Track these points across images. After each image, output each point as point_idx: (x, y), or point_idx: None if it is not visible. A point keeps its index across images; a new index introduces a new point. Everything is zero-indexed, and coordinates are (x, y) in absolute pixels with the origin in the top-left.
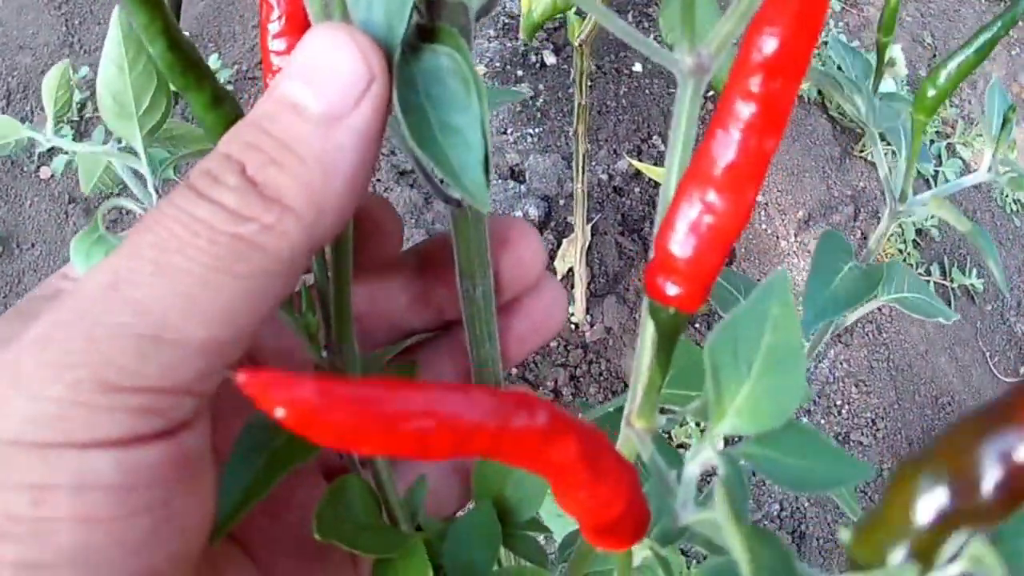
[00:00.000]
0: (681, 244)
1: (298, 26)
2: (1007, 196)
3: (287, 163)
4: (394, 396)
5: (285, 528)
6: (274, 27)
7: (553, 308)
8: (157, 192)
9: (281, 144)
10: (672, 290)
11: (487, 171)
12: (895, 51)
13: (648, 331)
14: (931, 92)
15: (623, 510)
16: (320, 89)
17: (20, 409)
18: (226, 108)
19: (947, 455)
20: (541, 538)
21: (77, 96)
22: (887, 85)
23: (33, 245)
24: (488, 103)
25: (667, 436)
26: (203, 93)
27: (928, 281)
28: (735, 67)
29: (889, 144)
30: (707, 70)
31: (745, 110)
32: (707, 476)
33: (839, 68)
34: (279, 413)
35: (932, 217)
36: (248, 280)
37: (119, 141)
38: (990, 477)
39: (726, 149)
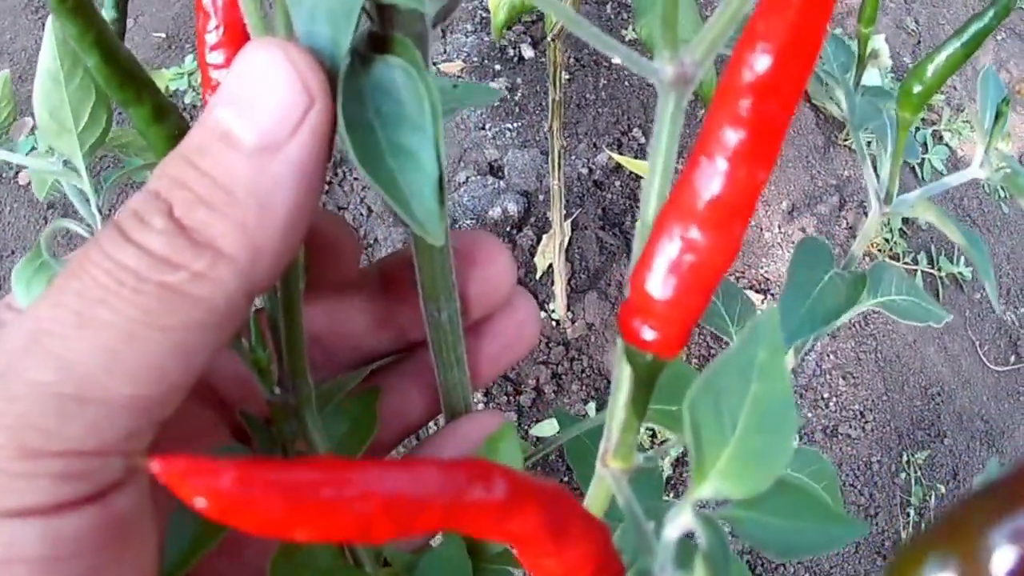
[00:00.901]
0: (660, 285)
1: (238, 36)
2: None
3: (218, 202)
4: (327, 480)
5: (246, 566)
6: (211, 38)
7: (525, 326)
8: (100, 212)
9: (211, 181)
10: (649, 335)
11: (442, 199)
12: (878, 41)
13: (624, 369)
14: (917, 88)
15: (593, 573)
16: (253, 116)
17: None
18: (169, 122)
19: (954, 538)
20: (514, 572)
21: None
22: (871, 76)
23: (13, 252)
24: (462, 102)
25: (651, 434)
26: (144, 107)
27: (915, 271)
28: (722, 86)
29: (873, 138)
30: (691, 80)
31: (733, 137)
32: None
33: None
34: (199, 504)
35: (928, 199)
36: (178, 333)
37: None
38: (1001, 562)
39: (711, 180)
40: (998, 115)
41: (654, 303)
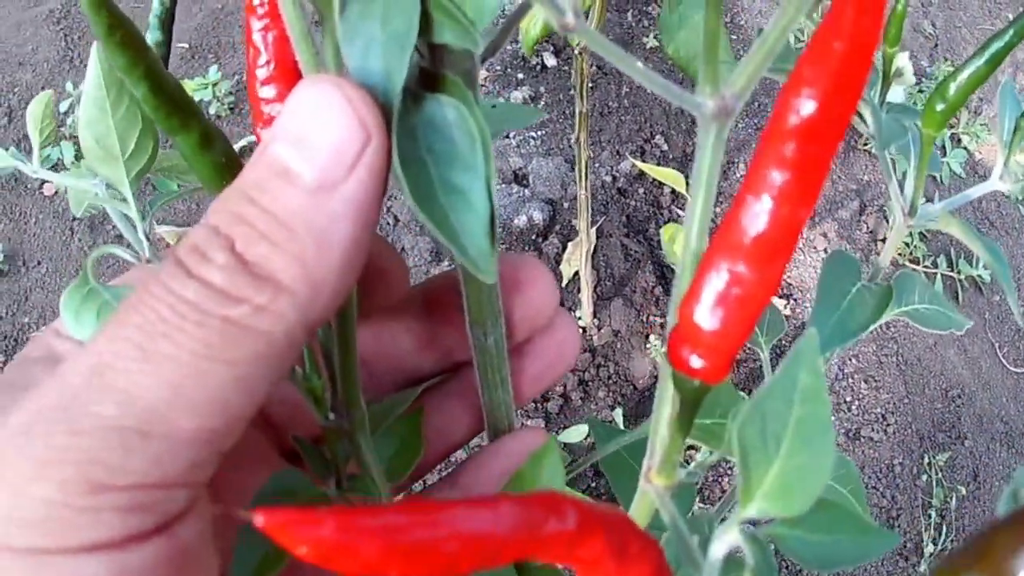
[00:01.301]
0: (708, 316)
1: (288, 71)
2: None
3: (278, 238)
4: (418, 522)
5: None
6: (262, 72)
7: (566, 346)
8: (148, 239)
9: (271, 217)
10: (697, 363)
11: (493, 236)
12: (902, 59)
13: (667, 389)
14: (940, 106)
15: None
16: (311, 154)
17: (4, 507)
18: (216, 150)
19: (982, 562)
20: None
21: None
22: (895, 94)
23: (39, 263)
24: (505, 125)
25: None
26: (191, 135)
27: (935, 274)
28: (768, 128)
29: (895, 151)
30: (731, 113)
31: (778, 177)
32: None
33: None
34: (302, 551)
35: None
36: (240, 366)
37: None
38: None
39: (756, 218)
40: (1016, 128)
41: (702, 333)
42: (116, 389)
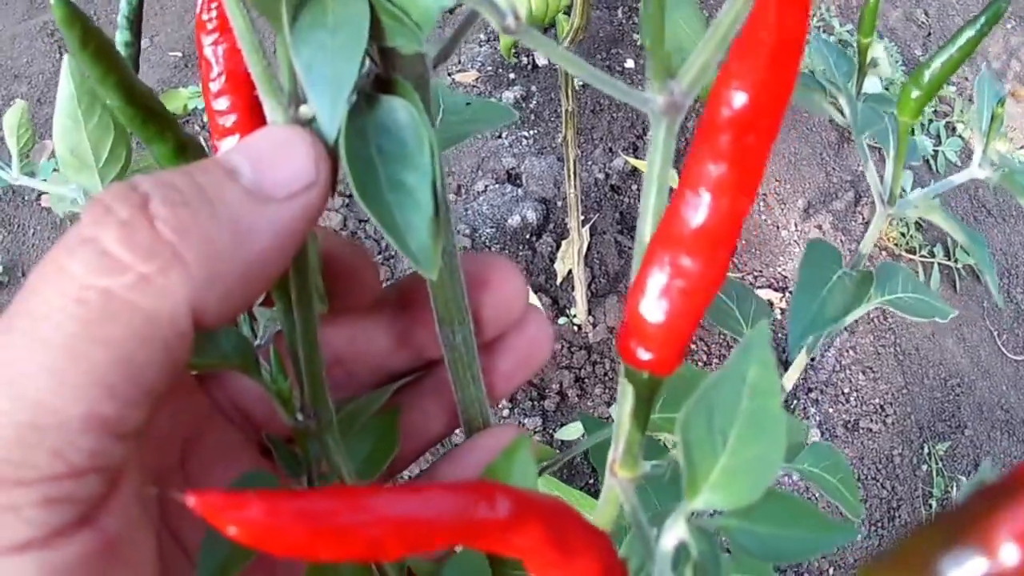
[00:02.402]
0: (652, 309)
1: (240, 83)
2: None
3: (198, 210)
4: (342, 507)
5: None
6: (214, 86)
7: (538, 342)
8: None
9: (201, 192)
10: (645, 355)
11: (436, 234)
12: (877, 50)
13: (627, 384)
14: (915, 93)
15: None
16: (261, 167)
17: None
18: (191, 158)
19: (909, 562)
20: None
21: None
22: (872, 84)
23: None
24: (478, 124)
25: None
26: (166, 144)
27: (932, 263)
28: (703, 122)
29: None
30: (681, 108)
31: (715, 170)
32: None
33: (813, 71)
34: (231, 531)
35: (934, 198)
36: (120, 347)
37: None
38: None
39: (696, 211)
40: (993, 117)
41: (648, 326)
42: (6, 382)
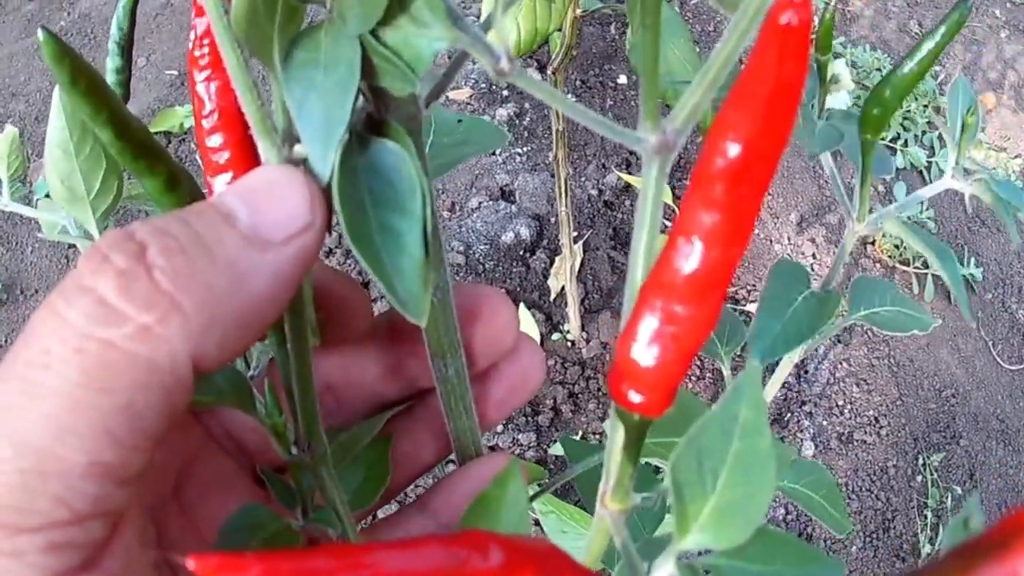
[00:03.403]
0: (644, 353)
1: (233, 119)
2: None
3: (196, 258)
4: (341, 565)
5: None
6: (208, 123)
7: (530, 371)
8: None
9: (197, 238)
10: (636, 398)
11: (426, 280)
12: (838, 67)
13: (618, 420)
14: (876, 111)
15: None
16: (257, 210)
17: None
18: (182, 190)
19: None
20: None
21: None
22: (839, 100)
23: (36, 292)
24: (470, 148)
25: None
26: (158, 177)
27: (926, 274)
28: (697, 170)
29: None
30: (673, 147)
31: (707, 219)
32: None
33: None
34: None
35: (928, 209)
36: (121, 395)
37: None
38: None
39: (688, 259)
40: (964, 126)
41: (639, 370)
42: (9, 429)
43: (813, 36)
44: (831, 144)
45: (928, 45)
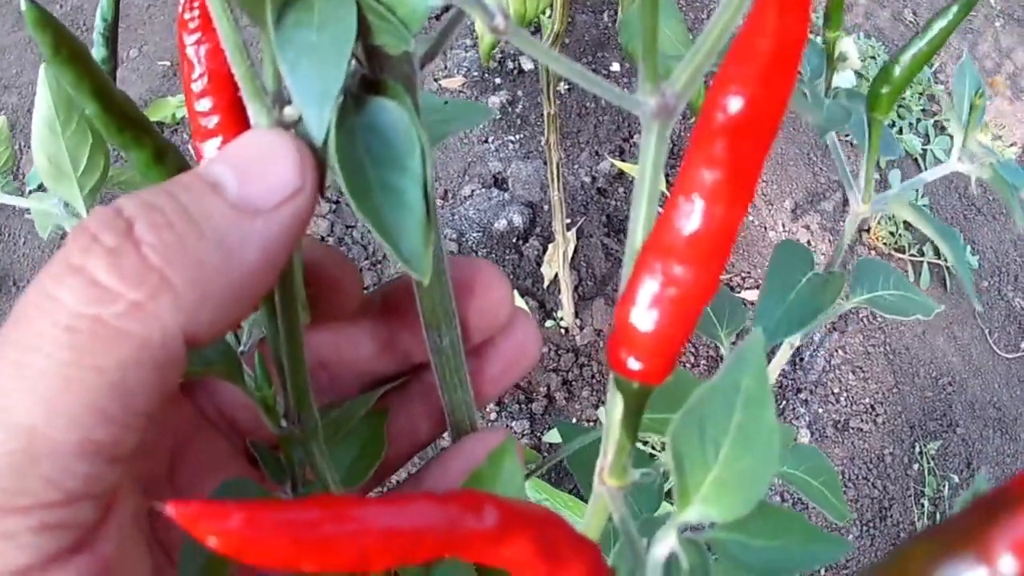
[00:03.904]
0: (643, 318)
1: (223, 83)
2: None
3: (184, 232)
4: (326, 517)
5: None
6: (196, 86)
7: (525, 346)
8: None
9: (185, 211)
10: (635, 365)
11: (428, 237)
12: (847, 44)
13: (616, 392)
14: (885, 89)
15: None
16: (246, 177)
17: None
18: (169, 164)
19: (954, 541)
20: None
21: None
22: (844, 78)
23: (28, 283)
24: (455, 124)
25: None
26: (144, 150)
27: (922, 262)
28: (697, 127)
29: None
30: (673, 112)
31: (709, 176)
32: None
33: None
34: (212, 542)
35: (922, 197)
36: (113, 373)
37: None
38: None
39: (689, 219)
40: (972, 108)
41: (638, 335)
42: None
43: (822, 13)
44: (839, 122)
45: (940, 23)
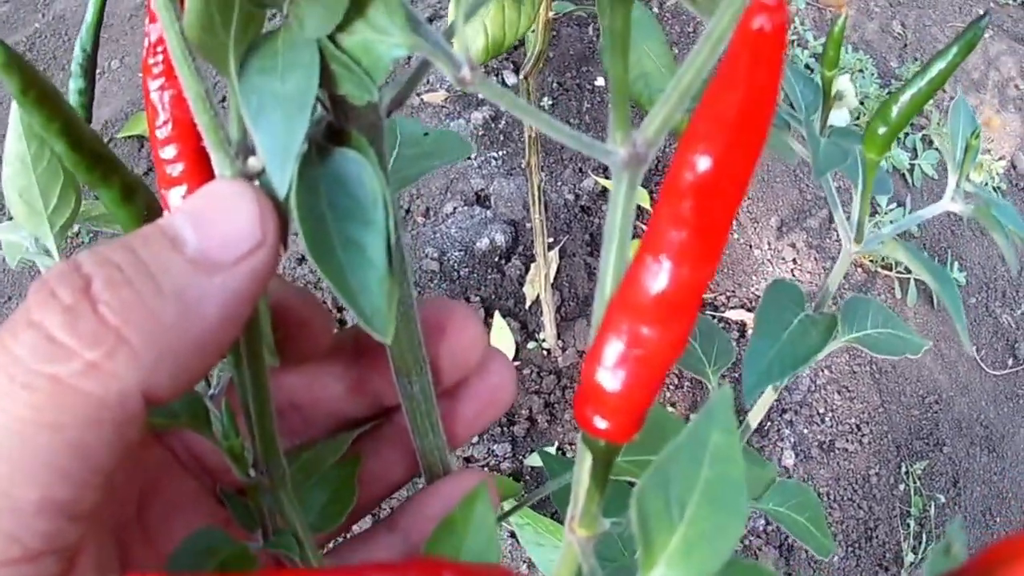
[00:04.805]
0: (609, 377)
1: (187, 130)
2: (988, 184)
3: (142, 289)
4: None
5: None
6: (161, 133)
7: (500, 388)
8: None
9: (143, 267)
10: (601, 424)
11: (391, 295)
12: (843, 83)
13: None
14: (882, 129)
15: None
16: (205, 232)
17: None
18: (138, 201)
19: None
20: None
21: None
22: (839, 117)
23: (10, 299)
24: (434, 161)
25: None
26: (112, 188)
27: (908, 279)
28: (665, 185)
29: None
30: (644, 160)
31: (676, 236)
32: None
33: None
34: None
35: (910, 213)
36: (71, 431)
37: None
38: None
39: (656, 279)
40: (967, 147)
41: (605, 394)
42: None
43: (819, 51)
44: (836, 163)
45: (939, 64)
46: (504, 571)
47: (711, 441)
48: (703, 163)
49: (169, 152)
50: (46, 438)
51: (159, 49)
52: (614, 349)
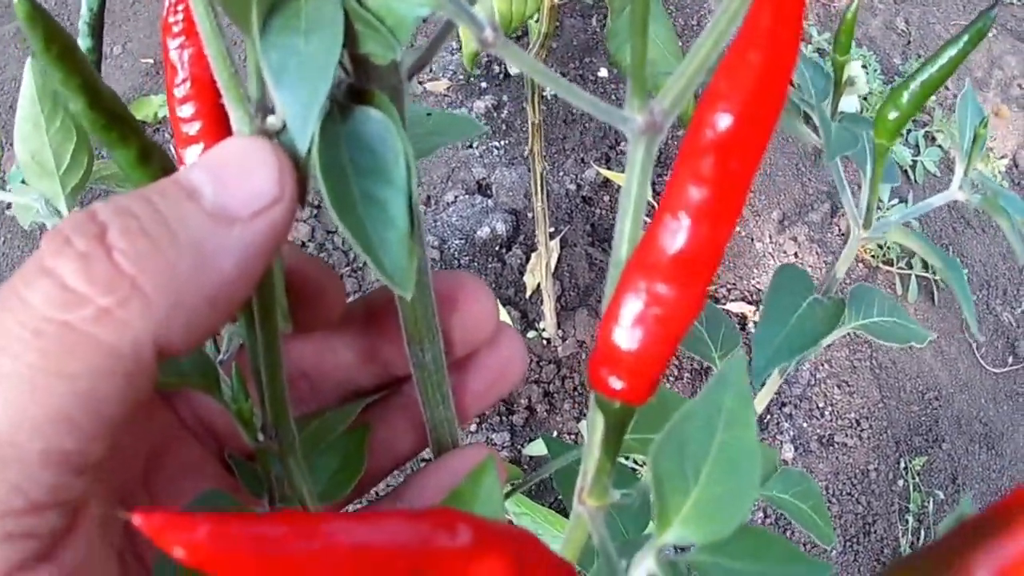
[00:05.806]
0: (626, 336)
1: (206, 89)
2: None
3: (159, 238)
4: (294, 533)
5: None
6: (179, 91)
7: (510, 362)
8: None
9: (160, 218)
10: (617, 384)
11: (411, 251)
12: (854, 68)
13: (598, 411)
14: (893, 115)
15: None
16: (223, 185)
17: None
18: (154, 164)
19: (936, 566)
20: None
21: None
22: (848, 103)
23: (4, 280)
24: (443, 137)
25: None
26: (129, 149)
27: (909, 275)
28: (685, 143)
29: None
30: (661, 128)
31: (696, 194)
32: None
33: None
34: (178, 553)
35: (914, 219)
36: (82, 380)
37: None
38: None
39: (675, 237)
40: (975, 137)
41: (621, 354)
42: None
43: (823, 47)
44: (847, 147)
45: (950, 52)
46: (523, 531)
47: (725, 406)
48: (724, 120)
49: (186, 110)
50: (55, 386)
51: (180, 7)
52: (631, 308)
